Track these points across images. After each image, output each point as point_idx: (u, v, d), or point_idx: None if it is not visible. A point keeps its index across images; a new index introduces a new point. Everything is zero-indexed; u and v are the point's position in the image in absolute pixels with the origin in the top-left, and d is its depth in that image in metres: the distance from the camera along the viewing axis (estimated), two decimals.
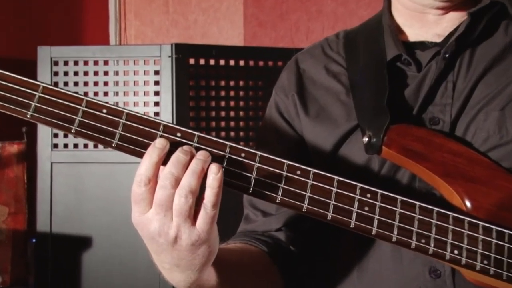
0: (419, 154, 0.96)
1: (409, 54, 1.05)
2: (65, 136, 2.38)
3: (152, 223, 0.83)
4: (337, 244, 1.08)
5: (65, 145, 2.40)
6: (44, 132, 2.38)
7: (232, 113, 2.45)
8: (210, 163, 0.83)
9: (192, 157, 0.84)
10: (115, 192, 2.34)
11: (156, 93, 2.35)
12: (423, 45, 1.07)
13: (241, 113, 2.46)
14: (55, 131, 2.37)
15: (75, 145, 2.39)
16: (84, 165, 2.39)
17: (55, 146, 2.39)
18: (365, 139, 0.98)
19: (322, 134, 1.08)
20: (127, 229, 2.27)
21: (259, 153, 0.87)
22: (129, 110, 0.86)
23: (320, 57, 1.15)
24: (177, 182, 0.82)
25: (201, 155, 0.84)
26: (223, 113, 2.44)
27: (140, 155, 0.84)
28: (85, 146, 2.39)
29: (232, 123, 2.45)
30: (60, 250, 2.38)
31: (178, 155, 0.83)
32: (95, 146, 2.38)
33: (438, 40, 1.06)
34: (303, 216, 1.06)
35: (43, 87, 0.84)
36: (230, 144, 0.87)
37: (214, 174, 0.82)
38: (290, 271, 1.09)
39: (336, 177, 0.89)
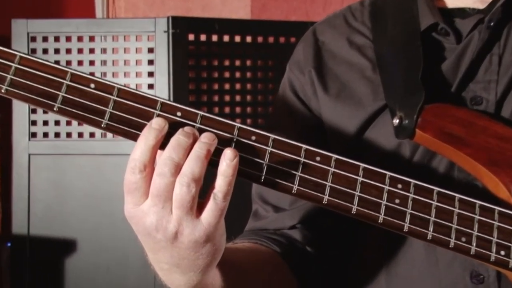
0: (459, 138, 0.95)
1: (447, 23, 1.05)
2: (45, 123, 2.38)
3: (148, 217, 0.83)
4: (361, 244, 1.08)
5: (45, 134, 2.40)
6: (20, 119, 2.38)
7: (237, 98, 2.45)
8: (221, 148, 0.83)
9: (195, 140, 0.83)
10: (103, 189, 2.35)
11: (150, 74, 2.35)
12: (463, 12, 1.06)
13: (248, 98, 2.46)
14: (33, 118, 2.38)
15: (56, 134, 2.39)
16: (67, 157, 2.39)
17: (33, 135, 2.40)
18: (396, 121, 0.98)
19: (344, 116, 1.08)
20: (116, 231, 2.29)
21: (272, 136, 0.87)
22: (121, 85, 0.85)
23: (342, 28, 1.14)
24: (177, 168, 0.82)
25: (206, 137, 0.83)
26: (227, 98, 2.44)
27: (134, 138, 0.84)
28: (68, 135, 2.39)
29: (237, 109, 2.45)
30: (40, 255, 2.39)
31: (179, 138, 0.82)
32: (80, 136, 2.39)
33: (481, 6, 1.06)
34: (321, 211, 1.07)
35: (20, 57, 0.83)
36: (239, 125, 0.86)
37: (229, 161, 0.82)
38: (305, 274, 1.09)
39: (362, 165, 0.89)
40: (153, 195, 0.82)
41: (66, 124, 2.38)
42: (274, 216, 1.12)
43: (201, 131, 0.85)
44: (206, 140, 0.83)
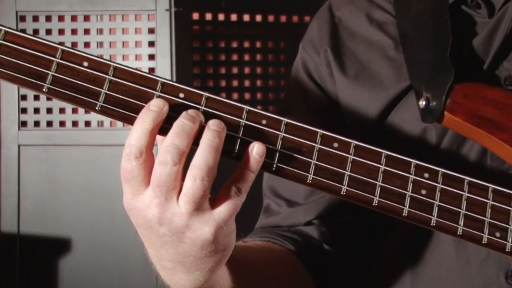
0: (493, 122, 0.95)
1: None
2: (36, 111, 2.39)
3: (149, 209, 0.82)
4: (384, 240, 1.08)
5: (36, 123, 2.41)
6: (9, 107, 2.39)
7: (246, 83, 2.45)
8: (230, 133, 0.83)
9: (200, 124, 0.82)
10: (100, 182, 2.35)
11: (151, 57, 2.35)
12: None
13: (258, 83, 2.46)
14: (23, 105, 2.38)
15: (49, 123, 2.40)
16: (60, 148, 2.40)
17: (23, 124, 2.40)
18: (422, 103, 0.98)
19: (364, 99, 1.07)
20: (115, 229, 2.29)
21: (285, 120, 0.86)
22: (117, 64, 0.84)
23: (361, 2, 1.14)
24: (181, 156, 0.81)
25: (215, 125, 0.82)
26: (235, 83, 2.44)
27: (131, 121, 0.83)
28: (61, 124, 2.39)
29: (246, 95, 2.45)
30: (31, 255, 2.40)
31: (183, 122, 0.82)
32: (74, 124, 2.39)
33: None
34: (339, 204, 1.07)
35: (6, 32, 0.83)
36: (248, 108, 0.86)
37: (259, 157, 0.83)
38: (322, 273, 1.09)
39: (384, 152, 0.88)
40: (154, 186, 0.81)
41: (59, 112, 2.38)
42: (287, 211, 1.12)
43: (206, 114, 0.84)
44: (216, 128, 0.82)
